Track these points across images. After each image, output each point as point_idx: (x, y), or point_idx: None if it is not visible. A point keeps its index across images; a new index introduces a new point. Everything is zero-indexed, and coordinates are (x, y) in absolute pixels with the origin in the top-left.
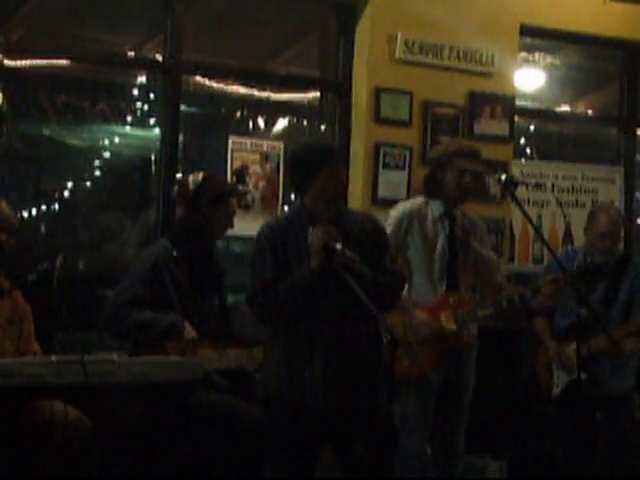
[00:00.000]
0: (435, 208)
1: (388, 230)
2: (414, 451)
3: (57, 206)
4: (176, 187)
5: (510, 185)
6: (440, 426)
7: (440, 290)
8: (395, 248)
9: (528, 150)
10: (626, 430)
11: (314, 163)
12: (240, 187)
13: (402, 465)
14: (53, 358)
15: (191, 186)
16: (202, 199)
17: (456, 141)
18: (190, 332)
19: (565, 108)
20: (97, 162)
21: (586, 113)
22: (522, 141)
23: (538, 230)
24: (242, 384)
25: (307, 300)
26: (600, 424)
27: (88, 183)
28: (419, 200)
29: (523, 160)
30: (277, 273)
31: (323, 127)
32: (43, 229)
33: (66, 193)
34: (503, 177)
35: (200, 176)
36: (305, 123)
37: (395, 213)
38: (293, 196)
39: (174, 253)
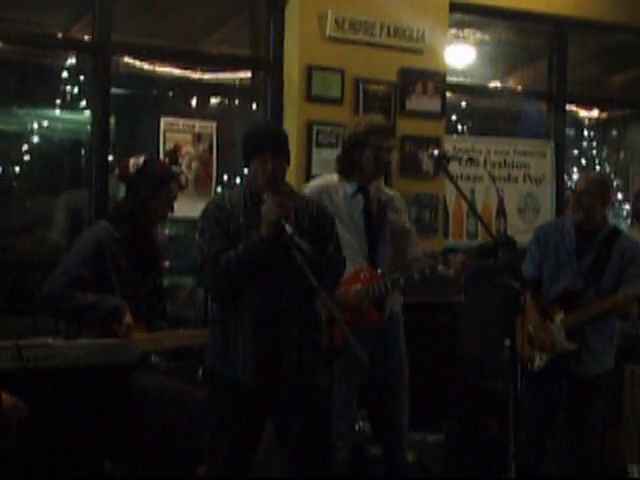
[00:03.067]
0: (349, 186)
1: None
2: (343, 430)
3: None
4: (117, 169)
5: (443, 160)
6: (382, 401)
7: (360, 264)
8: None
9: (460, 126)
10: (597, 412)
11: (249, 148)
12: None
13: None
14: None
15: (132, 169)
16: (143, 182)
17: (367, 118)
18: (128, 318)
19: (496, 84)
20: (26, 146)
21: (516, 88)
22: (454, 117)
23: (471, 205)
24: (188, 366)
25: (256, 267)
26: (567, 402)
27: (17, 168)
28: (333, 177)
29: (455, 136)
30: (224, 244)
31: (255, 106)
32: None
33: None
34: (436, 152)
35: (141, 159)
36: (237, 102)
37: (307, 190)
38: (226, 177)
39: (115, 235)
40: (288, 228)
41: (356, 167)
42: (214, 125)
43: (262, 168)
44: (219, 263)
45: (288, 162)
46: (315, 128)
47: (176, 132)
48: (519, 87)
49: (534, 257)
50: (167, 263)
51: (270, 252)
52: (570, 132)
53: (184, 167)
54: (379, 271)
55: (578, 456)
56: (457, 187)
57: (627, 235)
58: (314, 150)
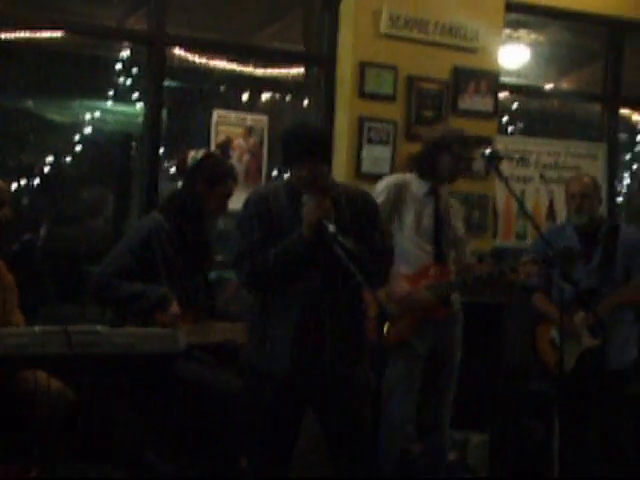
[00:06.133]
0: (422, 185)
1: (379, 197)
2: (399, 421)
3: (38, 180)
4: (175, 162)
5: (494, 159)
6: (427, 397)
7: (428, 262)
8: (383, 217)
9: (512, 127)
10: (623, 404)
11: (287, 152)
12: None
13: (386, 436)
14: (36, 329)
15: (189, 162)
16: (198, 176)
17: (457, 127)
18: (175, 308)
19: (549, 85)
20: (78, 137)
21: (570, 90)
22: (506, 117)
23: (522, 204)
24: (229, 358)
25: (295, 267)
26: (597, 398)
27: (70, 158)
28: (407, 175)
29: (507, 136)
30: (264, 237)
31: (307, 101)
32: (25, 202)
33: (47, 168)
34: (487, 151)
35: (200, 153)
36: (289, 97)
37: (384, 184)
38: (276, 171)
39: (166, 226)
40: (331, 227)
41: (433, 169)
42: (265, 119)
43: (301, 175)
44: (257, 259)
45: (329, 163)
46: (366, 125)
47: (228, 125)
48: (573, 88)
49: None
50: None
51: (311, 252)
52: (623, 135)
53: (235, 160)
54: (448, 268)
55: (611, 452)
56: (508, 186)
57: (627, 227)
58: (365, 146)
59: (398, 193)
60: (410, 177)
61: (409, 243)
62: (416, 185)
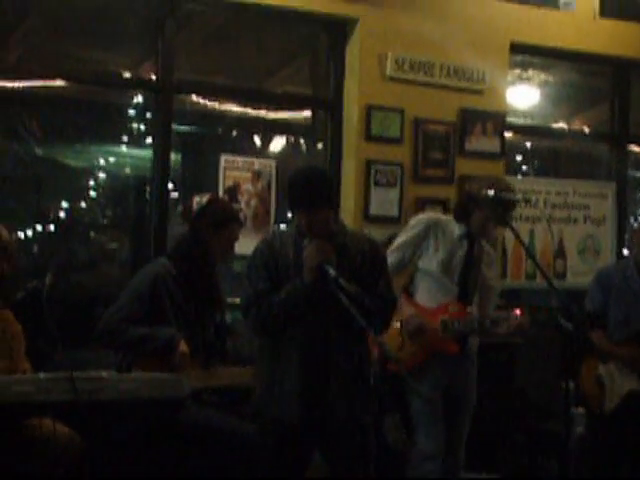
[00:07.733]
0: (459, 227)
1: (411, 230)
2: (429, 452)
3: (52, 226)
4: (180, 207)
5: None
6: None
7: (450, 300)
8: (411, 250)
9: (521, 167)
10: None
11: (290, 199)
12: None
13: (417, 467)
14: (42, 375)
15: (195, 207)
16: (204, 221)
17: (496, 185)
18: (183, 347)
19: (557, 125)
20: (92, 182)
21: (578, 130)
22: (515, 158)
23: (527, 248)
24: (240, 402)
25: (299, 312)
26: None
27: (83, 203)
28: (445, 217)
29: (516, 176)
30: (269, 286)
31: (314, 145)
32: (37, 249)
33: (62, 213)
34: (490, 193)
35: (205, 198)
36: (297, 141)
37: (418, 218)
38: (284, 215)
39: (173, 272)
40: (331, 271)
41: (466, 218)
42: (273, 163)
43: (302, 222)
44: (262, 307)
45: (333, 207)
46: (374, 167)
47: (236, 170)
48: (581, 128)
49: (594, 298)
50: None
51: (313, 296)
52: (632, 173)
53: (243, 205)
54: (467, 309)
55: None
56: (512, 229)
57: None
58: (372, 189)
59: (430, 231)
60: (449, 218)
61: (436, 280)
62: (453, 226)
